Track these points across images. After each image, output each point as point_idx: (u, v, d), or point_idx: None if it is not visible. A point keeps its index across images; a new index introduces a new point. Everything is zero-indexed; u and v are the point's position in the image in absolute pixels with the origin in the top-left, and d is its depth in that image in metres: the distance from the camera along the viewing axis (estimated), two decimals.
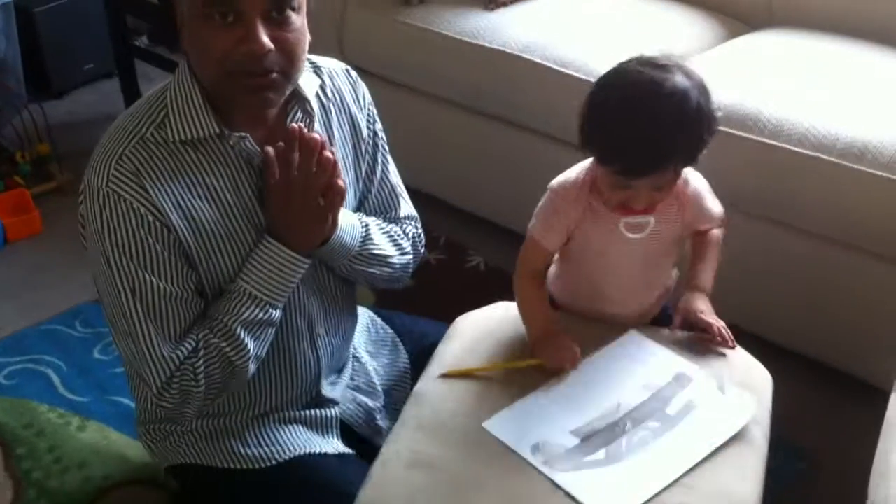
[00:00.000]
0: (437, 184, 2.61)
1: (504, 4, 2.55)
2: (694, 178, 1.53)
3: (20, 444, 2.00)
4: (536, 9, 2.56)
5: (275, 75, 1.31)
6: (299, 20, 1.32)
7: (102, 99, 3.45)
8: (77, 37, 3.39)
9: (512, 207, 2.52)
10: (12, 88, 3.16)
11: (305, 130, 1.38)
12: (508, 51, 2.37)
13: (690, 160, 1.39)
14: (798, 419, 1.80)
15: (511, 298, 1.54)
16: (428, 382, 1.43)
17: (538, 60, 2.32)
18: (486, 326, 1.55)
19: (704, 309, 1.50)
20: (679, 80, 1.34)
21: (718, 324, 1.48)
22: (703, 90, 1.37)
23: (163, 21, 2.91)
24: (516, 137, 2.43)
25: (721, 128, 2.01)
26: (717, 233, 1.58)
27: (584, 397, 1.38)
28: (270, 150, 1.37)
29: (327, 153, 1.38)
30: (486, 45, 2.41)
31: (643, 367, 1.44)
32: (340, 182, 1.39)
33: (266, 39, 1.27)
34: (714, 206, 1.57)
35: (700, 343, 1.47)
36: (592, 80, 2.15)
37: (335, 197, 1.39)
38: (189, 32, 1.32)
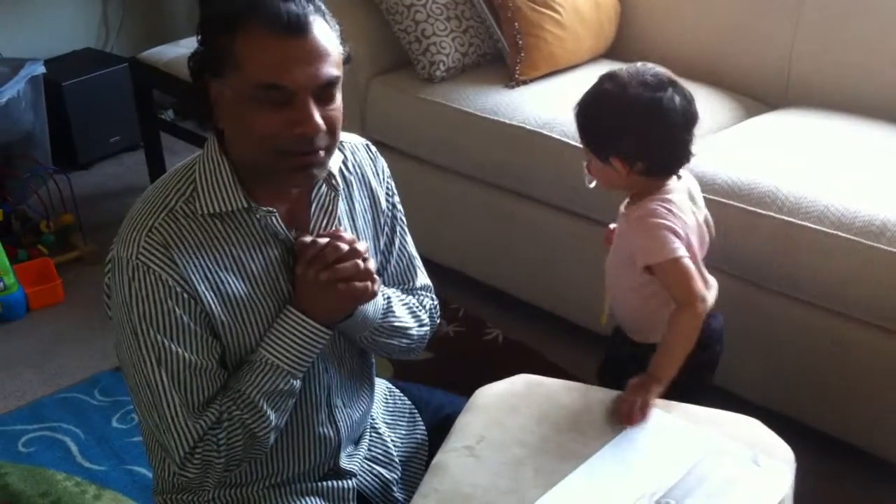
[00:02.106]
0: (456, 256, 2.63)
1: (524, 82, 2.60)
2: (645, 213, 1.67)
3: None
4: (556, 86, 2.60)
5: (321, 153, 1.35)
6: (339, 98, 1.36)
7: (127, 171, 3.51)
8: (104, 110, 3.47)
9: (530, 281, 2.55)
10: (39, 160, 3.23)
11: (342, 231, 1.42)
12: (528, 127, 2.41)
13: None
14: (817, 497, 1.78)
15: (530, 371, 1.54)
16: (448, 454, 1.43)
17: (557, 137, 2.35)
18: (507, 399, 1.55)
19: (635, 384, 1.55)
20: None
21: (630, 399, 1.52)
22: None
23: (190, 97, 2.97)
24: (535, 212, 2.46)
25: (739, 204, 2.05)
26: (679, 317, 1.63)
27: (624, 477, 1.38)
28: (307, 240, 1.39)
29: (360, 247, 1.40)
30: (506, 121, 2.45)
31: (676, 443, 1.44)
32: (369, 278, 1.40)
33: (320, 120, 1.31)
34: (646, 253, 1.66)
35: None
36: None
37: (363, 294, 1.41)
38: (229, 111, 1.34)
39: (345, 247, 1.39)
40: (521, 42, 2.61)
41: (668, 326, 1.62)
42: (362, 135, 1.65)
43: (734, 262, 2.09)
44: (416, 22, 2.64)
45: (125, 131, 3.54)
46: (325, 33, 1.33)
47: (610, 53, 2.83)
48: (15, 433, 2.23)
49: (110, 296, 1.41)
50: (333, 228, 1.46)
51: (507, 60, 2.67)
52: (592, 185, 1.77)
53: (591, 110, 1.71)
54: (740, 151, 2.22)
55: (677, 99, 1.64)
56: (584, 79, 2.62)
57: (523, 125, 2.42)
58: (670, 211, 1.66)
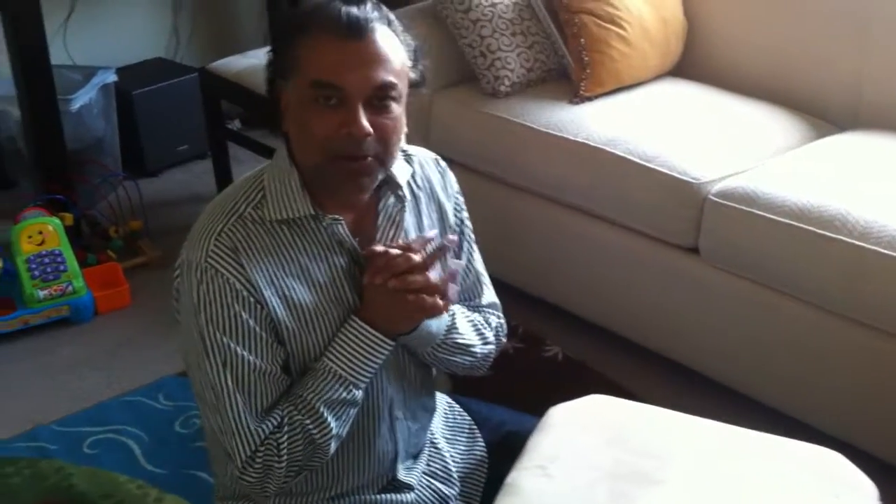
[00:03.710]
0: (517, 273, 2.62)
1: (588, 99, 2.60)
2: None
3: None
4: (621, 103, 2.59)
5: (370, 160, 1.36)
6: (398, 109, 1.37)
7: (194, 179, 3.57)
8: (173, 119, 3.54)
9: (590, 299, 2.53)
10: (109, 167, 3.30)
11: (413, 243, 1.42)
12: (592, 144, 2.40)
13: None
14: None
15: (591, 389, 1.53)
16: (521, 473, 1.42)
17: (622, 154, 2.34)
18: (580, 419, 1.54)
19: None
20: None
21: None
22: None
23: (260, 105, 3.01)
24: (596, 229, 2.45)
25: (808, 227, 2.02)
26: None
27: None
28: (379, 249, 1.40)
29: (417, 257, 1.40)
30: (570, 137, 2.45)
31: (756, 474, 1.42)
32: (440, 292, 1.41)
33: (366, 124, 1.32)
34: None
35: None
36: (676, 175, 2.22)
37: (431, 308, 1.41)
38: (293, 115, 1.37)
39: (417, 258, 1.40)
40: (586, 58, 2.60)
41: None
42: (426, 148, 1.65)
43: (802, 287, 2.06)
44: (482, 37, 2.65)
45: (193, 140, 3.60)
46: (388, 42, 1.35)
47: (676, 71, 2.81)
48: (80, 435, 2.27)
49: (178, 299, 1.44)
50: (402, 241, 1.47)
51: (571, 76, 2.67)
52: None
53: None
54: (809, 173, 2.19)
55: None
56: (650, 96, 2.64)
57: (587, 141, 2.41)
58: None
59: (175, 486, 2.10)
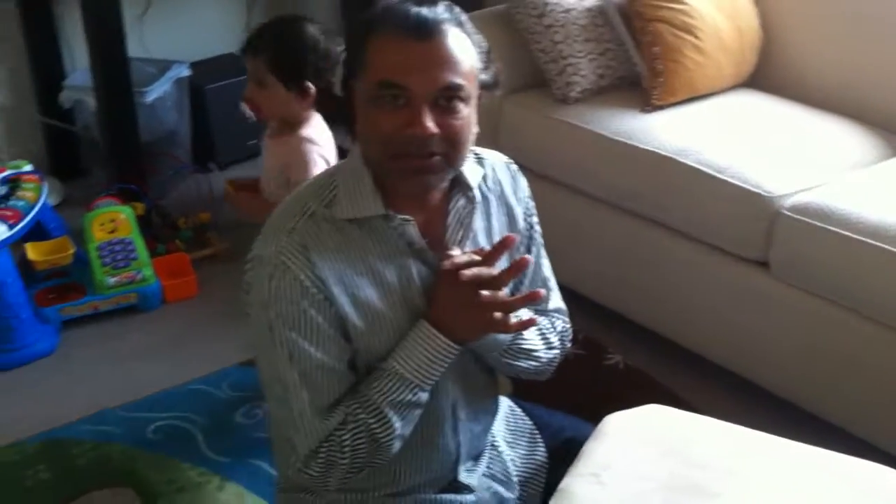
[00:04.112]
0: (581, 279, 2.61)
1: (660, 108, 2.58)
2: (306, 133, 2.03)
3: (161, 499, 2.06)
4: (694, 113, 2.57)
5: (436, 159, 1.35)
6: (466, 110, 1.36)
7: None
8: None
9: (654, 308, 2.52)
10: (180, 158, 3.36)
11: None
12: (662, 153, 2.39)
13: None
14: None
15: (651, 399, 1.52)
16: (574, 479, 1.42)
17: (693, 164, 2.32)
18: (636, 429, 1.53)
19: None
20: None
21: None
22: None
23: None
24: (665, 240, 2.43)
25: (884, 245, 1.98)
26: None
27: None
28: (456, 253, 1.41)
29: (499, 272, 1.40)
30: (640, 146, 2.43)
31: (810, 491, 1.40)
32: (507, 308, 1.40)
33: (430, 124, 1.32)
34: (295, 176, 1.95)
35: None
36: (749, 187, 2.20)
37: (501, 325, 1.41)
38: (361, 114, 1.38)
39: (494, 272, 1.39)
40: (659, 66, 2.58)
41: None
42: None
43: (874, 305, 2.03)
44: (554, 42, 2.65)
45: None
46: (458, 43, 1.34)
47: (750, 82, 2.78)
48: (144, 420, 2.31)
49: (248, 292, 1.45)
50: (479, 248, 1.46)
51: (644, 84, 2.65)
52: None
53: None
54: (885, 190, 2.15)
55: None
56: (723, 107, 2.62)
57: (657, 151, 2.40)
58: None
59: (236, 474, 2.13)
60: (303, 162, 2.01)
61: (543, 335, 1.60)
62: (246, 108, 1.99)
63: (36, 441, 2.25)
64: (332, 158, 2.07)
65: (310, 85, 2.01)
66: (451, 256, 1.42)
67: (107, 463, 2.18)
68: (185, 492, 2.08)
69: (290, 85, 2.01)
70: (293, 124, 2.06)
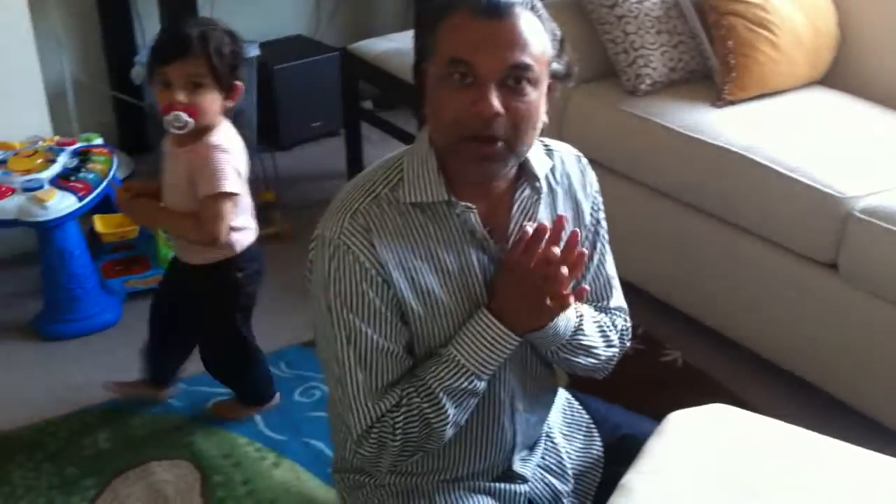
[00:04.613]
0: (642, 273, 2.59)
1: (731, 103, 2.54)
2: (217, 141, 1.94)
3: (217, 473, 2.10)
4: (765, 109, 2.53)
5: (500, 144, 1.34)
6: (534, 94, 1.34)
7: (325, 155, 3.64)
8: (309, 95, 3.61)
9: (716, 306, 2.48)
10: (246, 137, 3.38)
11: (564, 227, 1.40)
12: (732, 149, 2.35)
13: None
14: None
15: (708, 398, 1.50)
16: (636, 476, 1.41)
17: (763, 161, 2.28)
18: (700, 428, 1.51)
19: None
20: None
21: None
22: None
23: (395, 89, 3.05)
24: (731, 237, 2.39)
25: None
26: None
27: None
28: (528, 229, 1.39)
29: (579, 251, 1.39)
30: (709, 141, 2.40)
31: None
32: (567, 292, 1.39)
33: (496, 102, 1.30)
34: (204, 185, 1.92)
35: None
36: (820, 187, 2.15)
37: (565, 300, 1.40)
38: (430, 97, 1.37)
39: (557, 251, 1.37)
40: (732, 61, 2.54)
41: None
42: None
43: None
44: (626, 33, 2.62)
45: (327, 117, 3.67)
46: (529, 26, 1.33)
47: (825, 81, 2.72)
48: (204, 394, 2.35)
49: (312, 271, 1.46)
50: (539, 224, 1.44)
51: (715, 79, 2.62)
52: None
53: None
54: None
55: None
56: (796, 104, 2.57)
57: (727, 146, 2.36)
58: None
59: (292, 452, 2.16)
60: (213, 171, 1.92)
61: (603, 332, 1.58)
62: (181, 115, 1.87)
63: (97, 410, 2.29)
64: (243, 167, 2.00)
65: (239, 84, 1.95)
66: (515, 247, 1.41)
67: (165, 435, 2.22)
68: (242, 466, 2.11)
69: (225, 85, 1.94)
70: (201, 131, 1.95)
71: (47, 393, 2.36)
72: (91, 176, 2.64)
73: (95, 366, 2.46)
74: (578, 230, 1.43)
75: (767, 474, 1.41)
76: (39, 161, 2.66)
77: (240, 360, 2.20)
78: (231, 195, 1.95)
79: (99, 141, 2.85)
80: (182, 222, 2.00)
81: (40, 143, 2.78)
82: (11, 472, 2.11)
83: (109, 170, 2.73)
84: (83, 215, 2.61)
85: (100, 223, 2.76)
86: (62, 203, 2.50)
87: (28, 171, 2.60)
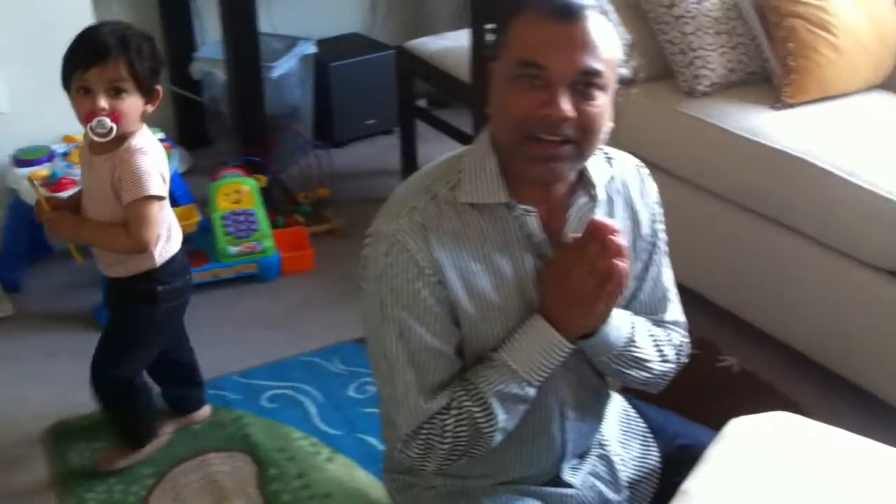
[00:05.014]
0: (698, 277, 2.57)
1: (790, 105, 2.52)
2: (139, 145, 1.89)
3: (273, 466, 2.12)
4: (826, 112, 2.50)
5: (567, 147, 1.33)
6: (603, 98, 1.33)
7: (379, 153, 3.66)
8: (364, 93, 3.63)
9: (773, 312, 2.46)
10: (302, 133, 3.42)
11: (607, 222, 1.39)
12: (791, 152, 2.32)
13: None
14: None
15: (765, 405, 1.48)
16: (696, 483, 1.40)
17: (822, 166, 2.26)
18: (761, 436, 1.50)
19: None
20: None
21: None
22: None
23: (450, 87, 3.05)
24: (789, 242, 2.37)
25: None
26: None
27: None
28: (574, 237, 1.39)
29: (617, 240, 1.37)
30: (768, 144, 2.38)
31: None
32: (623, 268, 1.37)
33: (567, 106, 1.30)
34: (129, 191, 1.87)
35: None
36: (882, 193, 2.13)
37: (615, 287, 1.38)
38: (497, 95, 1.37)
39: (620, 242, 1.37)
40: (792, 63, 2.52)
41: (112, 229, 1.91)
42: (614, 143, 1.61)
43: None
44: (684, 34, 2.60)
45: (381, 115, 3.69)
46: (600, 29, 1.32)
47: (887, 85, 2.68)
48: (260, 387, 2.38)
49: (366, 266, 1.45)
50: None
51: (774, 81, 2.59)
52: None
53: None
54: None
55: None
56: (857, 108, 2.53)
57: (786, 150, 2.34)
58: None
59: (345, 447, 2.18)
60: (138, 175, 1.87)
61: (658, 347, 1.56)
62: (105, 120, 1.81)
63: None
64: (166, 172, 1.96)
65: (159, 88, 1.92)
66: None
67: (222, 427, 2.25)
68: (296, 460, 2.14)
69: (148, 90, 1.89)
70: (121, 137, 1.88)
71: None
72: None
73: None
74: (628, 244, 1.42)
75: (829, 485, 1.40)
76: None
77: (121, 387, 2.09)
78: (158, 198, 1.90)
79: (159, 135, 2.89)
80: (110, 232, 1.92)
81: None
82: (71, 459, 2.16)
83: (169, 164, 2.76)
84: None
85: None
86: None
87: None
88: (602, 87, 1.33)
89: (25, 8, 2.72)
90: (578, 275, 1.37)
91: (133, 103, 1.86)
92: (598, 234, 1.37)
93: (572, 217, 1.44)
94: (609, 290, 1.38)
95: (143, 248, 1.91)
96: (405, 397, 1.41)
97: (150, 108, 1.92)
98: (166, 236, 1.99)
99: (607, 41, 1.33)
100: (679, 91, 2.64)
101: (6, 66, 2.73)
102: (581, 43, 1.30)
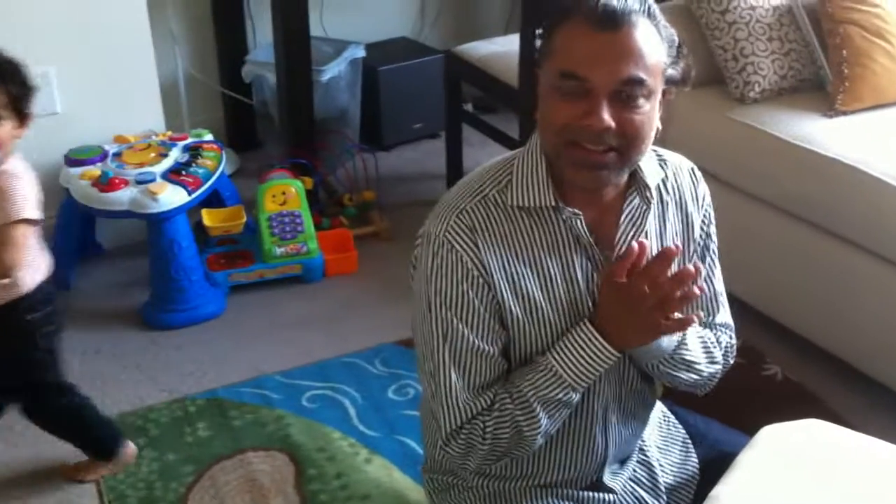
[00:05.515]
0: (744, 284, 2.52)
1: (844, 113, 2.47)
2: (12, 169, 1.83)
3: (312, 466, 2.13)
4: (880, 120, 2.45)
5: (611, 154, 1.33)
6: (647, 105, 1.32)
7: (425, 157, 3.66)
8: (412, 97, 3.64)
9: (821, 322, 2.41)
10: (350, 137, 3.44)
11: (675, 248, 1.37)
12: (844, 161, 2.28)
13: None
14: None
15: (808, 414, 1.45)
16: (727, 488, 1.38)
17: (876, 175, 2.21)
18: (793, 443, 1.48)
19: None
20: None
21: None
22: None
23: (498, 92, 3.05)
24: (839, 251, 2.32)
25: None
26: None
27: None
28: (635, 246, 1.38)
29: (690, 268, 1.36)
30: (820, 152, 2.33)
31: None
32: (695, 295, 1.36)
33: (607, 117, 1.29)
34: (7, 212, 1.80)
35: None
36: None
37: (677, 325, 1.38)
38: (542, 102, 1.37)
39: (673, 267, 1.36)
40: (846, 71, 2.47)
41: None
42: (662, 147, 1.59)
43: None
44: (736, 40, 2.57)
45: (428, 119, 3.69)
46: (645, 36, 1.30)
47: None
48: (301, 388, 2.39)
49: (416, 267, 1.47)
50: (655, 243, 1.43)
51: (828, 88, 2.54)
52: None
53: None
54: None
55: None
56: None
57: (839, 158, 2.29)
58: None
59: (385, 449, 2.18)
60: (11, 198, 1.82)
61: (707, 349, 1.55)
62: None
63: (200, 399, 2.36)
64: (39, 196, 1.89)
65: (31, 113, 1.87)
66: (617, 256, 1.40)
67: (263, 426, 2.27)
68: (335, 461, 2.14)
69: (23, 115, 1.85)
70: None
71: (151, 380, 2.44)
72: (201, 171, 2.72)
73: (199, 355, 2.54)
74: (679, 245, 1.41)
75: (860, 493, 1.37)
76: (152, 155, 2.75)
77: (64, 406, 2.05)
78: (32, 222, 1.87)
79: (209, 137, 2.93)
80: None
81: (154, 137, 2.87)
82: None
83: (219, 165, 2.81)
84: (192, 209, 2.69)
85: (207, 217, 2.84)
86: (173, 196, 2.59)
87: (141, 165, 2.69)
88: (646, 95, 1.32)
89: (80, 9, 2.77)
90: (645, 303, 1.36)
91: (10, 129, 1.84)
92: (666, 263, 1.36)
93: (624, 220, 1.44)
94: (674, 324, 1.37)
95: (10, 272, 1.85)
96: (448, 396, 1.42)
97: (21, 133, 1.88)
98: (35, 266, 1.93)
99: (652, 47, 1.31)
100: (730, 97, 2.61)
101: (60, 67, 2.77)
102: (624, 52, 1.29)
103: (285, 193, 2.84)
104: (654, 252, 1.41)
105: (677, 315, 1.38)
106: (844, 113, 2.47)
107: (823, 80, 2.58)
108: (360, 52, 3.48)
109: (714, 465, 1.61)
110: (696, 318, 1.40)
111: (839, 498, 1.36)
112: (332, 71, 3.34)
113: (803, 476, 1.41)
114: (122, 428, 2.22)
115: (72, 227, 2.82)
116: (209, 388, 2.39)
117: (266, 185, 2.86)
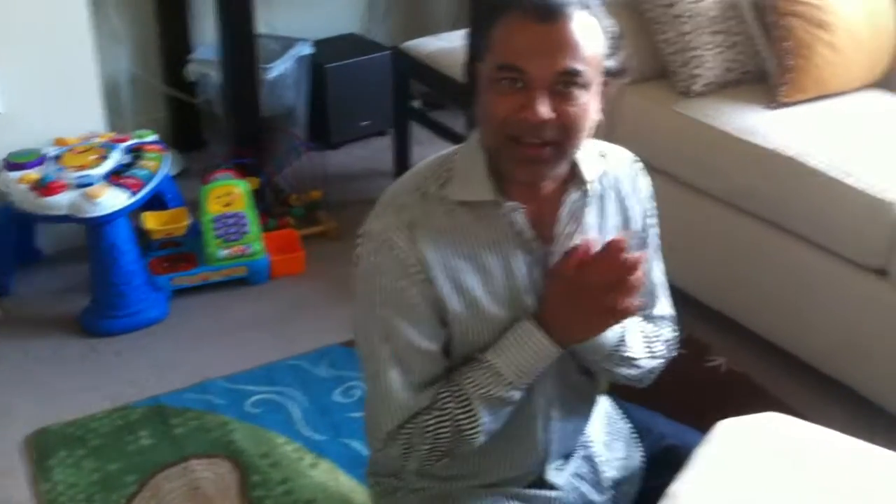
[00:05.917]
0: (688, 277, 2.52)
1: (787, 105, 2.48)
2: None
3: (256, 472, 2.10)
4: (821, 112, 2.47)
5: (548, 149, 1.32)
6: (585, 97, 1.32)
7: (373, 155, 3.63)
8: (360, 94, 3.60)
9: (766, 313, 2.43)
10: (296, 135, 3.40)
11: (625, 237, 1.36)
12: (785, 152, 2.29)
13: None
14: None
15: (754, 406, 1.45)
16: (684, 486, 1.38)
17: (815, 166, 2.22)
18: (751, 437, 1.48)
19: None
20: None
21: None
22: None
23: (446, 88, 3.03)
24: (782, 242, 2.33)
25: None
26: None
27: None
28: (580, 243, 1.37)
29: (635, 256, 1.35)
30: (762, 144, 2.34)
31: None
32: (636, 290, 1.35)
33: (544, 109, 1.29)
34: None
35: None
36: (874, 194, 2.09)
37: (629, 308, 1.36)
38: (481, 97, 1.36)
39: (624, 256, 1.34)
40: (789, 62, 2.48)
41: None
42: (609, 141, 1.59)
43: None
44: (682, 33, 2.57)
45: (376, 116, 3.65)
46: (583, 28, 1.30)
47: (883, 83, 2.64)
48: (246, 392, 2.36)
49: (357, 265, 1.45)
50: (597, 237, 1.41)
51: (771, 80, 2.55)
52: None
53: None
54: None
55: None
56: (853, 107, 2.49)
57: (780, 150, 2.30)
58: None
59: (330, 452, 2.15)
60: None
61: (648, 343, 1.55)
62: None
63: (141, 406, 2.31)
64: None
65: None
66: (564, 253, 1.39)
67: (206, 433, 2.23)
68: (279, 466, 2.11)
69: None
70: None
71: (92, 388, 2.39)
72: (143, 173, 2.67)
73: (140, 362, 2.49)
74: (624, 236, 1.40)
75: (820, 486, 1.37)
76: (93, 157, 2.69)
77: None
78: None
79: (152, 137, 2.88)
80: None
81: (95, 139, 2.81)
82: (53, 467, 2.13)
83: (161, 167, 2.76)
84: (133, 212, 2.63)
85: (149, 220, 2.79)
86: (114, 200, 2.53)
87: (81, 168, 2.63)
88: (583, 86, 1.31)
89: (21, 10, 2.70)
90: (595, 293, 1.35)
91: None
92: (616, 252, 1.34)
93: (564, 213, 1.43)
94: (623, 309, 1.36)
95: None
96: (388, 395, 1.40)
97: None
98: None
99: (589, 39, 1.31)
100: (674, 91, 2.61)
101: (1, 68, 2.71)
102: (561, 44, 1.29)
103: (230, 194, 2.79)
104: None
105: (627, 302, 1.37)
106: (787, 105, 2.48)
107: (766, 73, 2.59)
108: (308, 49, 3.44)
109: (660, 459, 1.63)
110: (641, 304, 1.39)
111: (802, 493, 1.36)
112: (279, 68, 3.30)
113: (764, 471, 1.40)
114: (63, 438, 2.17)
115: (9, 233, 2.76)
116: (151, 395, 2.35)
117: (210, 186, 2.81)
